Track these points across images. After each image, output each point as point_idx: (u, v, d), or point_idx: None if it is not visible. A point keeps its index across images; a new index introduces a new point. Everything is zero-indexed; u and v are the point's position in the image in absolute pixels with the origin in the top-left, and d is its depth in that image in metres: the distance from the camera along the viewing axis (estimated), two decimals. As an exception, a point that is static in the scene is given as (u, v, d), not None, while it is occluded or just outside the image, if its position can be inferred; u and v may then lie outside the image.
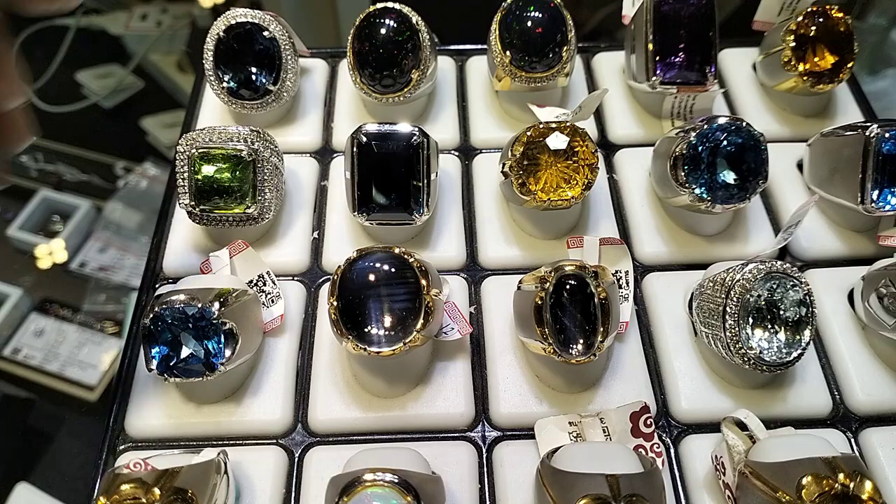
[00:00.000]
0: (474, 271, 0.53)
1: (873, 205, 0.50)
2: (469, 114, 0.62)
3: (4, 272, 1.03)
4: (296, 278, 0.52)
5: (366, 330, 0.42)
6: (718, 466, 0.43)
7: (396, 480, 0.37)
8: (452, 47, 0.66)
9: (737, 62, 0.65)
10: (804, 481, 0.37)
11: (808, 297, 0.44)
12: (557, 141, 0.49)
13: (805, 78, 0.57)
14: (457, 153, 0.59)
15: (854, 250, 0.53)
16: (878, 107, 0.99)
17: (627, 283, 0.49)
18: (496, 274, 0.53)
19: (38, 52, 1.22)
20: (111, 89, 1.12)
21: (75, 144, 1.11)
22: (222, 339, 0.43)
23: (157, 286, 0.52)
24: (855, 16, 0.99)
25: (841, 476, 0.37)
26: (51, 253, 1.06)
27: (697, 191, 0.49)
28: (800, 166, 0.58)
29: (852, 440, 0.46)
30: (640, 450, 0.43)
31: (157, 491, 0.36)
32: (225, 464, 0.41)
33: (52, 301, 1.00)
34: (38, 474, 0.77)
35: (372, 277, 0.43)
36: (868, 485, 0.37)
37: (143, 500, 0.36)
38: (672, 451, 0.45)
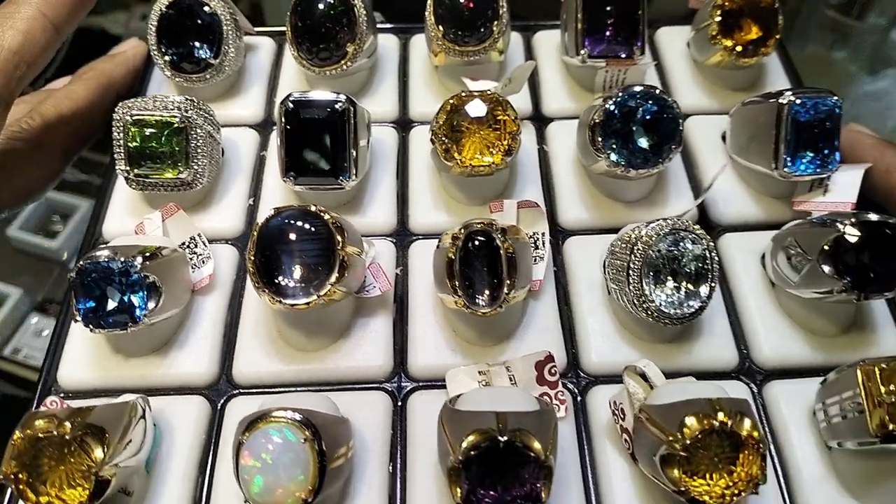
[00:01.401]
0: (403, 236, 0.55)
1: (787, 170, 0.52)
2: (409, 88, 0.64)
3: (4, 272, 1.07)
4: (230, 242, 0.54)
5: (282, 283, 0.44)
6: (617, 412, 0.44)
7: (298, 418, 0.39)
8: (397, 25, 0.68)
9: (672, 40, 0.67)
10: (687, 420, 0.39)
11: (707, 252, 0.46)
12: (477, 108, 0.51)
13: (730, 51, 0.59)
14: (395, 125, 0.61)
15: (770, 216, 0.55)
16: (878, 107, 1.01)
17: (543, 244, 0.51)
18: (424, 238, 0.55)
19: None
20: None
21: None
22: (146, 293, 0.45)
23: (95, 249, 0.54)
24: (855, 16, 1.00)
25: (721, 415, 0.39)
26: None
27: (613, 156, 0.51)
28: (724, 138, 0.59)
29: (756, 392, 0.48)
30: (544, 397, 0.45)
31: (67, 425, 0.38)
32: (143, 408, 0.43)
33: (52, 301, 1.03)
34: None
35: (286, 233, 0.45)
36: (747, 422, 0.39)
37: (55, 433, 0.38)
38: (580, 400, 0.47)
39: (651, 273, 0.46)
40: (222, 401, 0.47)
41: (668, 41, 0.67)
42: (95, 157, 1.04)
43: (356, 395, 0.47)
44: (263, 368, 0.48)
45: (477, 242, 0.45)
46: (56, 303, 1.01)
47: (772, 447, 0.46)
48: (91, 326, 0.45)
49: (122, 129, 0.51)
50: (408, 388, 0.48)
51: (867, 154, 0.52)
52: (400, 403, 0.47)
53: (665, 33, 0.67)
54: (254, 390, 0.48)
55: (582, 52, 0.58)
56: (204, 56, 0.58)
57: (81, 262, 0.44)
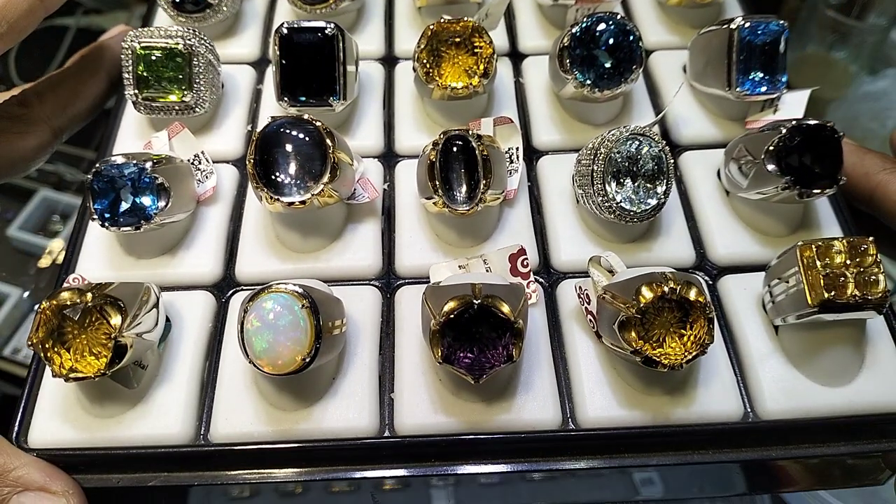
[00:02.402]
0: (390, 157, 0.60)
1: (738, 89, 0.57)
2: (394, 28, 0.69)
3: (4, 272, 1.08)
4: (231, 163, 0.59)
5: (278, 181, 0.49)
6: (582, 296, 0.49)
7: (298, 290, 0.43)
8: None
9: (639, -16, 0.72)
10: (642, 289, 0.44)
11: (662, 154, 0.51)
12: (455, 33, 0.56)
13: (689, -11, 0.64)
14: (381, 62, 0.66)
15: (727, 136, 0.60)
16: (878, 107, 1.05)
17: (518, 158, 0.56)
18: (410, 159, 0.59)
19: (38, 52, 1.27)
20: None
21: (75, 144, 1.16)
22: (156, 194, 0.49)
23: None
24: (855, 16, 1.02)
25: (671, 283, 0.43)
26: (50, 252, 1.11)
27: (579, 77, 0.56)
28: (685, 69, 0.64)
29: (712, 284, 0.53)
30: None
31: (89, 295, 0.42)
32: (157, 295, 0.47)
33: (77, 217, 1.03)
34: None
35: (284, 138, 0.49)
36: (694, 290, 0.43)
37: (78, 300, 0.42)
38: (550, 292, 0.52)
39: (613, 174, 0.51)
40: (226, 295, 0.52)
41: (635, -14, 0.72)
42: (96, 157, 1.07)
43: (349, 288, 0.52)
44: (263, 267, 0.53)
45: (455, 146, 0.50)
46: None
47: (725, 331, 0.51)
48: (107, 224, 0.49)
49: (130, 54, 0.56)
50: (395, 284, 0.52)
51: (846, 159, 0.51)
52: (389, 296, 0.52)
53: (633, -21, 0.72)
54: (254, 286, 0.52)
55: (553, -10, 0.63)
56: (204, -4, 0.63)
57: (97, 165, 0.49)
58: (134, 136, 0.60)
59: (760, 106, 0.60)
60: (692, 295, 0.43)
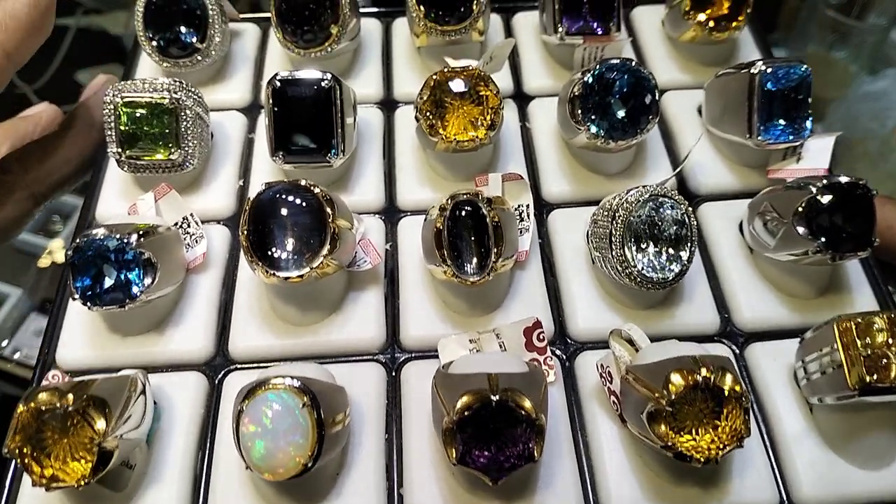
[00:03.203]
0: (392, 213, 0.56)
1: (760, 138, 0.54)
2: (393, 70, 0.65)
3: (4, 272, 1.06)
4: (222, 222, 0.55)
5: (275, 256, 0.45)
6: (604, 374, 0.46)
7: (296, 384, 0.40)
8: (379, 10, 0.69)
9: (648, 18, 0.68)
10: (672, 377, 0.40)
11: (686, 217, 0.48)
12: (459, 84, 0.52)
13: (703, 26, 0.60)
14: (380, 106, 0.62)
15: (747, 185, 0.57)
16: (878, 107, 1.03)
17: (528, 216, 0.53)
18: (412, 214, 0.56)
19: (37, 52, 1.25)
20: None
21: None
22: (142, 269, 0.46)
23: (89, 232, 0.55)
24: (855, 16, 1.01)
25: (704, 370, 0.40)
26: (50, 252, 1.09)
27: (593, 128, 0.52)
28: (700, 111, 0.61)
29: (738, 354, 0.50)
30: (533, 363, 0.47)
31: (70, 397, 0.39)
32: (143, 383, 0.44)
33: (52, 301, 1.02)
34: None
35: (279, 206, 0.46)
36: (729, 378, 0.40)
37: (58, 404, 0.38)
38: (568, 366, 0.49)
39: (633, 238, 0.47)
40: (220, 376, 0.48)
41: (643, 20, 0.68)
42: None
43: (351, 366, 0.48)
44: (259, 343, 0.49)
45: (464, 212, 0.46)
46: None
47: (755, 406, 0.47)
48: (89, 304, 0.45)
49: (112, 111, 0.52)
50: (401, 359, 0.49)
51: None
52: (394, 374, 0.48)
53: (641, 12, 0.69)
54: (250, 365, 0.49)
55: (560, 29, 0.60)
56: (190, 41, 0.59)
57: (77, 241, 0.45)
58: (118, 193, 0.56)
59: (782, 154, 0.56)
60: (727, 383, 0.40)
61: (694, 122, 0.60)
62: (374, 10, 0.69)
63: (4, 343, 1.00)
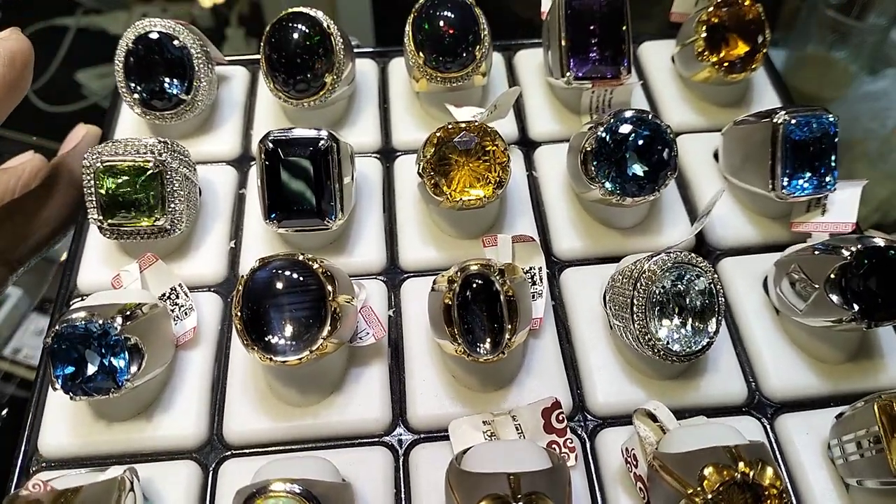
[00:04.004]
0: (394, 274, 0.53)
1: (784, 191, 0.51)
2: (390, 116, 0.61)
3: None
4: (212, 289, 0.52)
5: (271, 340, 0.42)
6: (630, 459, 0.43)
7: (299, 491, 0.37)
8: (373, 49, 0.66)
9: (656, 54, 0.65)
10: (706, 472, 0.37)
11: (714, 286, 0.45)
12: (465, 141, 0.49)
13: (718, 67, 0.57)
14: (378, 156, 0.59)
15: (769, 237, 0.54)
16: (878, 107, 1.02)
17: (541, 280, 0.50)
18: (416, 276, 0.52)
19: (38, 52, 1.22)
20: (111, 89, 1.11)
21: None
22: (127, 355, 0.42)
23: (70, 303, 0.51)
24: (855, 16, 0.99)
25: (741, 465, 0.37)
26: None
27: (608, 185, 0.49)
28: (716, 156, 0.58)
29: (768, 427, 0.47)
30: (553, 446, 0.43)
31: (51, 513, 0.35)
32: (131, 481, 0.40)
33: (52, 301, 0.99)
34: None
35: (275, 285, 0.42)
36: (769, 471, 0.37)
37: (38, 522, 0.35)
38: (588, 445, 0.45)
39: (656, 309, 0.44)
40: (214, 464, 0.45)
41: (651, 56, 0.65)
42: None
43: (355, 452, 0.45)
44: (255, 426, 0.45)
45: (475, 286, 0.43)
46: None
47: (787, 484, 0.44)
48: (71, 394, 0.42)
49: (92, 176, 0.48)
50: (409, 441, 0.46)
51: None
52: (402, 458, 0.45)
53: (648, 48, 0.66)
54: (247, 451, 0.45)
55: (568, 73, 0.56)
56: (175, 92, 0.56)
57: (57, 327, 0.42)
58: (100, 260, 0.53)
59: (806, 206, 0.53)
60: (767, 479, 0.37)
61: (710, 169, 0.57)
62: (369, 49, 0.66)
63: (4, 343, 0.97)
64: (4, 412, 0.80)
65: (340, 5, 1.15)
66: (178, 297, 0.49)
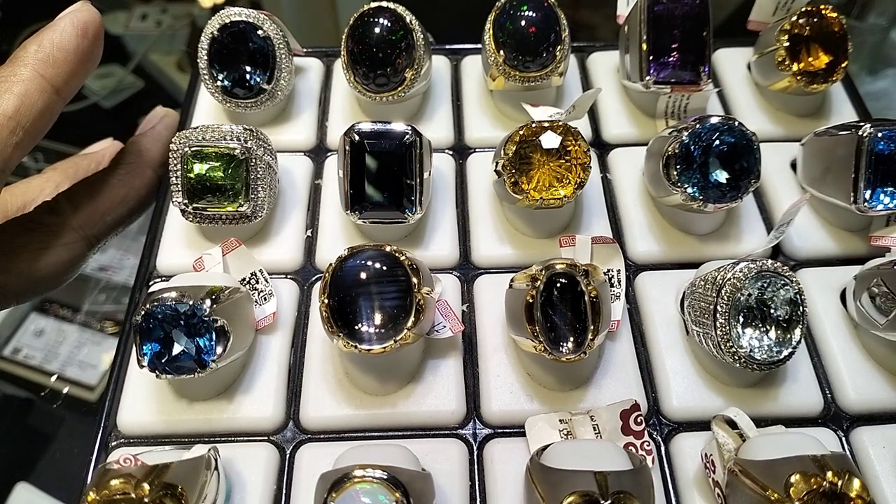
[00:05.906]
0: (467, 270, 0.53)
1: (866, 204, 0.50)
2: (463, 113, 0.62)
3: None
4: (289, 276, 0.53)
5: (357, 328, 0.42)
6: (708, 465, 0.43)
7: (385, 477, 0.37)
8: (447, 47, 0.66)
9: (732, 62, 0.65)
10: (793, 479, 0.37)
11: (798, 297, 0.44)
12: (550, 140, 0.49)
13: (799, 77, 0.57)
14: (451, 152, 0.59)
15: (847, 250, 0.53)
16: (878, 107, 1.01)
17: (619, 282, 0.50)
18: (489, 272, 0.53)
19: None
20: (111, 89, 1.12)
21: (75, 144, 1.11)
22: (213, 337, 0.43)
23: (150, 284, 0.52)
24: (855, 16, 0.99)
25: (829, 474, 0.37)
26: None
27: (690, 190, 0.49)
28: (793, 166, 0.58)
29: (843, 439, 0.46)
30: (630, 448, 0.43)
31: (146, 486, 0.36)
32: (216, 460, 0.41)
33: (52, 301, 1.01)
34: (38, 474, 0.77)
35: (363, 275, 0.43)
36: (856, 483, 0.37)
37: (133, 495, 0.36)
38: (663, 449, 0.45)
39: (740, 317, 0.44)
40: (291, 447, 0.45)
41: (726, 63, 0.65)
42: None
43: (430, 443, 0.45)
44: (333, 413, 0.46)
45: (559, 285, 0.43)
46: (56, 303, 0.99)
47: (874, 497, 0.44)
48: (157, 372, 0.43)
49: (179, 161, 0.49)
50: (483, 435, 0.46)
51: None
52: (476, 452, 0.45)
53: (723, 55, 0.65)
54: (323, 436, 0.46)
55: (647, 77, 0.56)
56: (257, 81, 0.56)
57: (147, 306, 0.42)
58: (180, 243, 0.53)
59: (886, 220, 0.53)
60: (854, 490, 0.37)
61: (788, 179, 0.57)
62: (444, 47, 0.66)
63: (4, 343, 0.98)
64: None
65: (340, 5, 1.16)
66: (258, 282, 0.50)
